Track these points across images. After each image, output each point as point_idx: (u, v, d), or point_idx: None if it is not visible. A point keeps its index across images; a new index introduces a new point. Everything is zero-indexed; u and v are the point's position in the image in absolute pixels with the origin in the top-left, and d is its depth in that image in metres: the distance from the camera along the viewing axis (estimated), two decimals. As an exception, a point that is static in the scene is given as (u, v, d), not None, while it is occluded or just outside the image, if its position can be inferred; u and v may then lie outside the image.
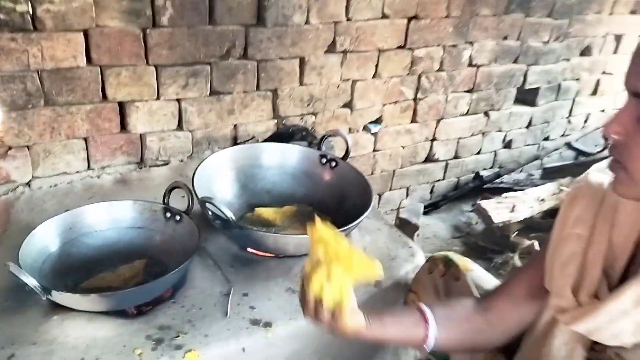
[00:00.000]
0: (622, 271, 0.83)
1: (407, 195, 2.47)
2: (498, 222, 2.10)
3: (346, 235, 1.39)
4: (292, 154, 1.61)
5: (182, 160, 1.75)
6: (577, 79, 2.75)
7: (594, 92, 2.89)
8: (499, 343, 1.00)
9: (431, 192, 2.56)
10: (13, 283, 1.15)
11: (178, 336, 1.08)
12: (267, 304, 1.19)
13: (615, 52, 2.81)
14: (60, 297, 1.03)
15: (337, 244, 0.83)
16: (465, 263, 1.19)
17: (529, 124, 2.68)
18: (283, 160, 1.61)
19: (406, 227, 2.14)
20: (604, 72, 2.84)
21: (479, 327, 0.98)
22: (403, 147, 2.32)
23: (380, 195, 2.40)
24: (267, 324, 1.14)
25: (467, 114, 2.42)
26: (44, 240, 1.19)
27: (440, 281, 1.19)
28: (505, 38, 2.31)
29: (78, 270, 1.22)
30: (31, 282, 0.99)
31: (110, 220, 1.31)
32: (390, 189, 2.41)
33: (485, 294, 1.08)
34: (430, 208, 2.51)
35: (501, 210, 2.12)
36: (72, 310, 1.08)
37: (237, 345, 1.09)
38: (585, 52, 2.70)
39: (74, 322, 1.06)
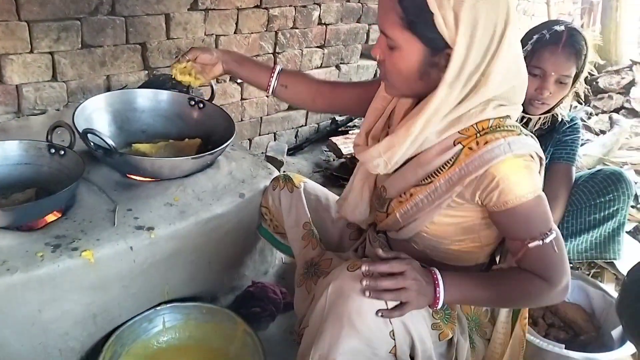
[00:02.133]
0: None
1: (275, 139, 2.79)
2: (346, 154, 2.51)
3: (214, 159, 1.67)
4: (163, 98, 1.83)
5: (58, 109, 1.89)
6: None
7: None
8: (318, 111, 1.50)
9: (296, 136, 2.91)
10: None
11: (73, 241, 1.30)
12: (149, 214, 1.44)
13: None
14: (-37, 214, 1.20)
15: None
16: (299, 179, 1.56)
17: (374, 75, 3.12)
18: (156, 104, 1.82)
19: (273, 164, 2.46)
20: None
21: (311, 95, 1.45)
22: (267, 96, 2.62)
23: (250, 140, 2.69)
24: (150, 228, 1.40)
25: (321, 67, 2.78)
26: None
27: (278, 193, 1.54)
28: (348, 0, 2.69)
29: (-29, 201, 1.37)
30: None
31: (-2, 158, 1.46)
32: (259, 134, 2.71)
33: (327, 81, 1.56)
34: (295, 150, 2.86)
35: (348, 143, 2.53)
36: (-26, 228, 1.25)
37: (125, 244, 1.34)
38: None
39: (-23, 236, 1.23)
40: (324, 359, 1.05)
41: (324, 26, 2.66)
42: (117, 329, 1.43)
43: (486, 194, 1.05)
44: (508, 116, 1.09)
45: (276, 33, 2.47)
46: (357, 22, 2.81)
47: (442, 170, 1.09)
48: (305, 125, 2.92)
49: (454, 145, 1.07)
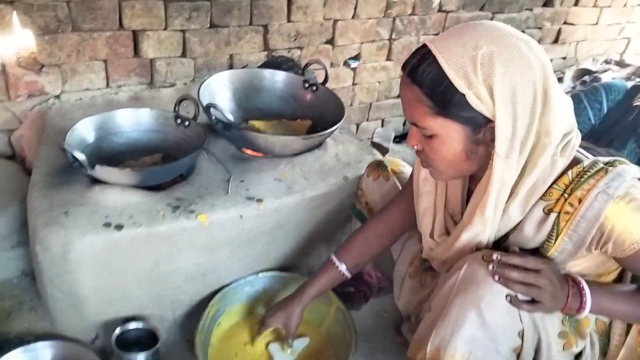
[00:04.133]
0: (460, 217, 1.15)
1: (382, 125, 2.80)
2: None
3: (323, 141, 1.72)
4: (280, 79, 1.92)
5: (185, 83, 2.05)
6: (540, 28, 3.04)
7: (556, 41, 3.19)
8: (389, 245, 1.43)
9: (404, 124, 2.89)
10: (58, 165, 1.48)
11: (191, 204, 1.41)
12: (259, 187, 1.53)
13: (575, 4, 3.10)
14: (102, 170, 1.35)
15: None
16: (396, 167, 1.54)
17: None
18: (272, 84, 1.92)
19: (378, 150, 2.48)
20: (565, 22, 3.14)
21: (377, 247, 1.40)
22: (379, 82, 2.63)
23: (358, 125, 2.72)
24: (259, 200, 1.48)
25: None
26: (82, 134, 1.50)
27: (373, 184, 1.53)
28: (472, -13, 2.60)
29: (109, 160, 1.53)
30: (80, 156, 1.30)
31: (132, 124, 1.62)
32: (367, 120, 2.73)
33: (377, 218, 1.42)
34: (402, 138, 2.84)
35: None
36: (109, 184, 1.40)
37: (236, 212, 1.44)
38: (548, 3, 2.99)
39: (111, 191, 1.38)
40: (445, 344, 1.01)
41: (444, 13, 2.60)
42: (222, 289, 1.54)
43: (600, 246, 0.99)
44: (580, 153, 1.03)
45: (394, 19, 2.45)
46: (480, 9, 2.71)
47: (549, 243, 1.03)
48: (415, 114, 2.88)
49: (546, 214, 1.01)
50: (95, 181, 1.41)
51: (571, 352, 1.11)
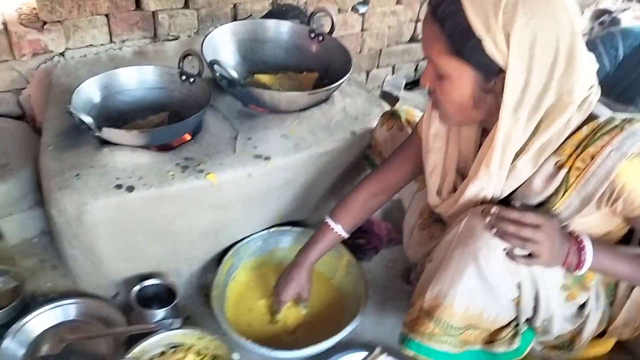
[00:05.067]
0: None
1: (393, 72, 2.74)
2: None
3: (330, 95, 1.70)
4: (284, 29, 1.87)
5: (189, 36, 2.00)
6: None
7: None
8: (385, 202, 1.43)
9: (415, 70, 2.82)
10: (67, 126, 1.49)
11: (199, 164, 1.42)
12: (266, 145, 1.52)
13: None
14: (109, 132, 1.35)
15: None
16: (411, 116, 1.51)
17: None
18: (277, 35, 1.86)
19: (388, 99, 2.45)
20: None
21: (373, 205, 1.41)
22: (389, 28, 2.55)
23: (368, 73, 2.67)
24: (267, 158, 1.48)
25: None
26: (88, 94, 1.49)
27: (387, 134, 1.52)
28: None
29: (116, 120, 1.54)
30: (87, 119, 1.31)
31: (137, 81, 1.60)
32: (377, 67, 2.67)
33: (371, 176, 1.42)
34: (414, 85, 2.78)
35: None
36: (117, 145, 1.41)
37: (244, 171, 1.44)
38: None
39: (120, 152, 1.39)
40: (444, 294, 1.04)
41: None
42: (235, 245, 1.57)
43: (610, 204, 0.98)
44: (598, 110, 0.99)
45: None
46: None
47: (556, 198, 1.02)
48: (426, 58, 2.81)
49: (557, 169, 0.99)
50: (104, 142, 1.42)
51: (574, 303, 1.13)
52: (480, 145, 1.12)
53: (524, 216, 0.98)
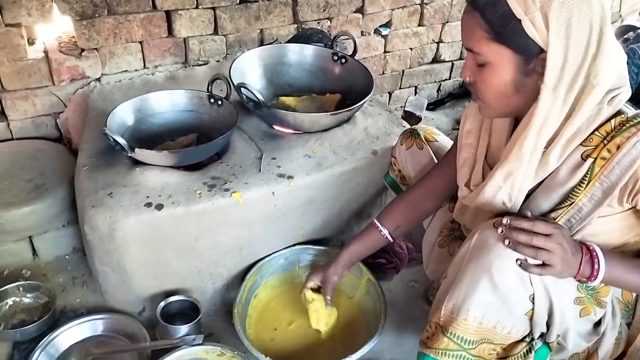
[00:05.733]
0: None
1: (416, 93, 2.78)
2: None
3: (352, 115, 1.74)
4: (309, 53, 1.94)
5: (218, 61, 2.09)
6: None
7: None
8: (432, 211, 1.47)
9: (438, 90, 2.85)
10: (102, 147, 1.57)
11: (226, 183, 1.48)
12: (289, 165, 1.57)
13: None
14: (142, 153, 1.43)
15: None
16: (430, 135, 1.54)
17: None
18: (302, 58, 1.93)
19: (410, 119, 2.48)
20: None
21: (420, 212, 1.44)
22: (411, 49, 2.59)
23: (390, 94, 2.71)
24: (290, 177, 1.53)
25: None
26: (122, 117, 1.58)
27: (406, 152, 1.55)
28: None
29: (147, 141, 1.62)
30: (121, 141, 1.38)
31: (168, 105, 1.69)
32: (400, 88, 2.71)
33: (419, 184, 1.45)
34: (436, 105, 2.81)
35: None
36: (148, 165, 1.48)
37: (268, 190, 1.49)
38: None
39: (151, 172, 1.47)
40: (458, 308, 1.05)
41: (478, -26, 2.51)
42: (258, 262, 1.62)
43: (632, 197, 0.99)
44: (626, 107, 1.00)
45: (425, -17, 2.40)
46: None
47: (580, 189, 1.02)
48: (449, 79, 2.84)
49: (583, 159, 1.00)
50: (136, 162, 1.49)
51: (589, 319, 1.12)
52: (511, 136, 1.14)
53: (535, 225, 0.99)
